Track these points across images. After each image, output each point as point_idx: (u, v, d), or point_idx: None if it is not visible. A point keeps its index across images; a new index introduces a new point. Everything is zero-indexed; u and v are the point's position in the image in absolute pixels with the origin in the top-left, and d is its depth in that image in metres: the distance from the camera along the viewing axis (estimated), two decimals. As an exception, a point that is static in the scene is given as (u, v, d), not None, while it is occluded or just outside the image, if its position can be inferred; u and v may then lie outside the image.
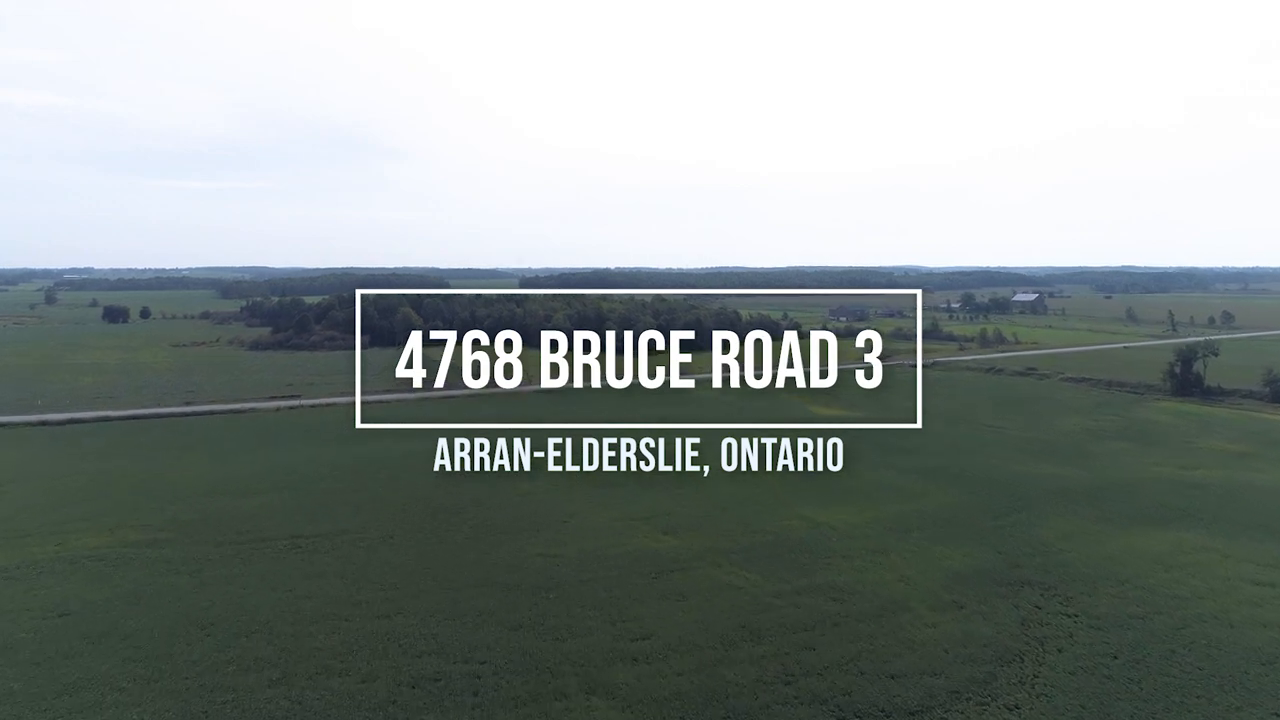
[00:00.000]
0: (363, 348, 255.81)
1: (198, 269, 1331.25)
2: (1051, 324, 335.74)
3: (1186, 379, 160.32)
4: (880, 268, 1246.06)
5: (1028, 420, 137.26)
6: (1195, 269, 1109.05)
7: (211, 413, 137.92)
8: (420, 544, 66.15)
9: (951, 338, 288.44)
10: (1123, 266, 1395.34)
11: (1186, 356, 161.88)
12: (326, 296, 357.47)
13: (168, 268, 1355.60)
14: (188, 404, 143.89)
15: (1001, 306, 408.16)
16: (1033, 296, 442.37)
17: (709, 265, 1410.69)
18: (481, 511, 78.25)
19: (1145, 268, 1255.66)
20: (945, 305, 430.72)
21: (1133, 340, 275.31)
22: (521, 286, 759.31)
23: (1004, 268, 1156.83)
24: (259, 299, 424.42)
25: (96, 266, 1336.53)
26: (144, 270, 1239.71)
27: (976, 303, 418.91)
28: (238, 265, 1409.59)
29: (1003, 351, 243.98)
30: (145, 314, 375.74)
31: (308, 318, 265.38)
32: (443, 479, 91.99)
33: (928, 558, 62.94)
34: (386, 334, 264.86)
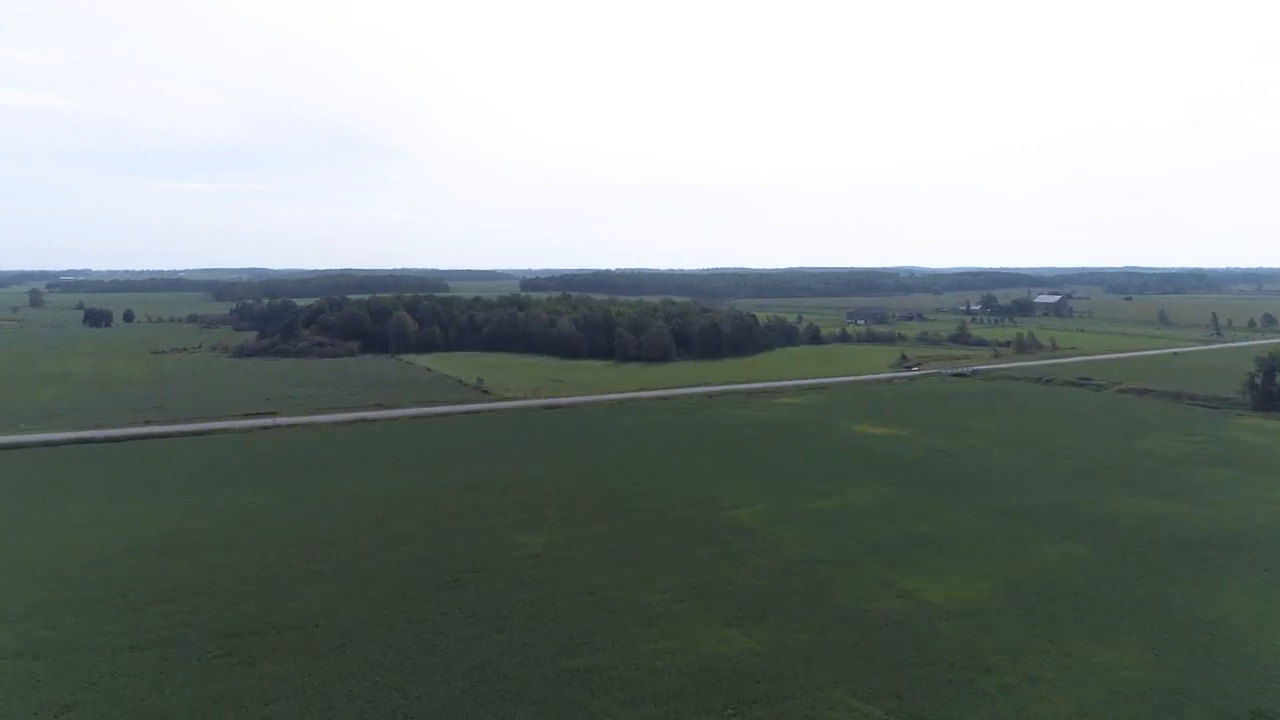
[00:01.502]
0: (353, 354, 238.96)
1: (195, 270, 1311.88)
2: (1083, 327, 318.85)
3: (1269, 391, 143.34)
4: (883, 268, 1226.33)
5: (1103, 440, 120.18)
6: (1204, 270, 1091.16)
7: (171, 435, 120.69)
8: (416, 644, 48.71)
9: (982, 342, 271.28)
10: (1126, 267, 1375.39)
11: (1269, 366, 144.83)
12: (317, 299, 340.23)
13: (165, 269, 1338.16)
14: (148, 423, 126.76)
15: (1024, 309, 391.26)
16: (1055, 298, 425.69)
17: (710, 266, 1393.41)
18: (483, 581, 61.21)
19: (1150, 268, 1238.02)
20: (965, 307, 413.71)
21: (1176, 345, 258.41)
22: (523, 288, 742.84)
23: (1006, 268, 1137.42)
24: (249, 301, 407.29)
25: (94, 268, 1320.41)
26: (141, 272, 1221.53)
27: (998, 304, 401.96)
28: (236, 266, 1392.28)
29: (1044, 359, 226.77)
30: (129, 317, 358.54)
31: (296, 322, 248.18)
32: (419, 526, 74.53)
33: (1089, 670, 45.74)
34: (378, 340, 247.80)
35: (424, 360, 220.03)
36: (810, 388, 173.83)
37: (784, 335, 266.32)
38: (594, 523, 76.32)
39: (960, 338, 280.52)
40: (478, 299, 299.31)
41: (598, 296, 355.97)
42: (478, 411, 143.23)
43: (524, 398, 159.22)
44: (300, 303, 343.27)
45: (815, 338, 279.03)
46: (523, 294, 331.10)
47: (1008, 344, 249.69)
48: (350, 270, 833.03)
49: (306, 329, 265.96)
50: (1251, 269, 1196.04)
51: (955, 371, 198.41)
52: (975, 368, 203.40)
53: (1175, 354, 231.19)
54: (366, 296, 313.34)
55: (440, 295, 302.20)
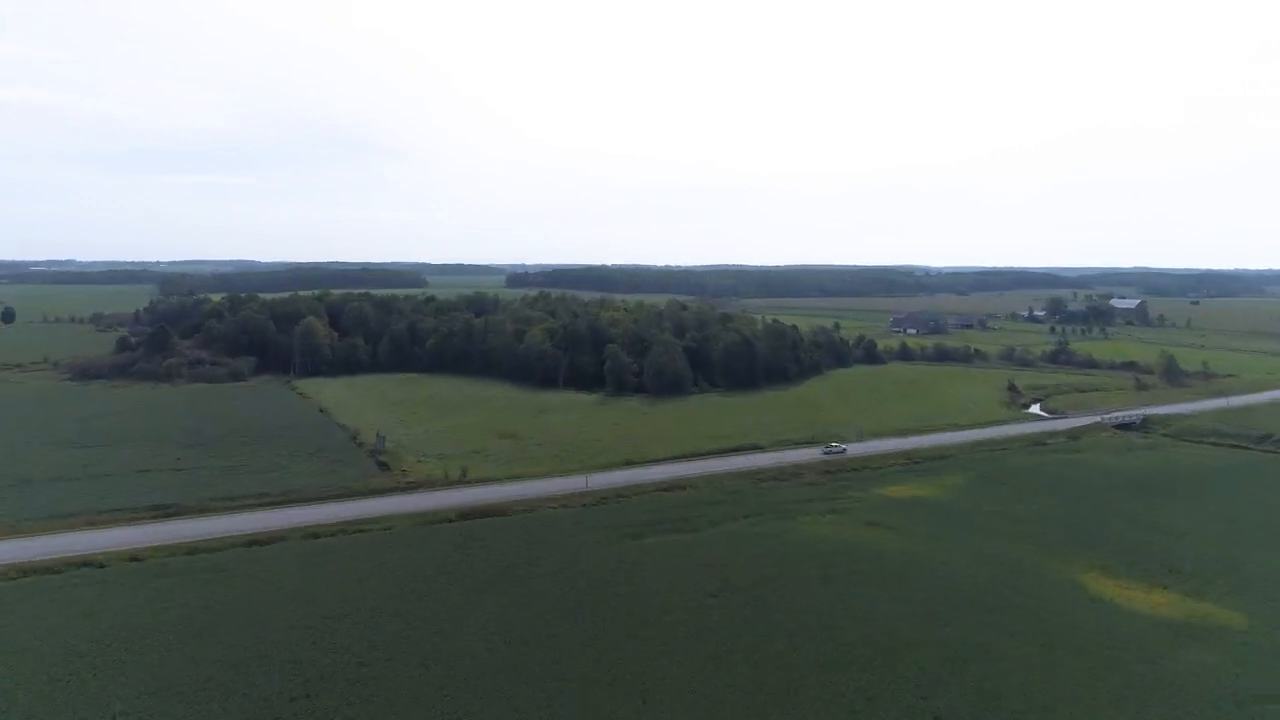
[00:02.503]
0: (241, 378, 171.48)
1: (177, 262, 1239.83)
2: (1203, 342, 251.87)
3: None
4: (890, 266, 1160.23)
5: None
6: (1241, 271, 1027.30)
7: None
8: None
9: (1092, 363, 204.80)
10: (1137, 267, 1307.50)
11: None
12: (223, 296, 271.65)
13: (149, 260, 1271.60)
14: None
15: (1102, 315, 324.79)
16: (1134, 303, 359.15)
17: (710, 263, 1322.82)
18: None
19: (1160, 268, 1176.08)
20: (1027, 313, 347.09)
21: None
22: (509, 284, 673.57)
23: (1011, 267, 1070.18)
24: (176, 298, 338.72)
25: (79, 259, 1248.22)
26: (120, 263, 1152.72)
27: (1067, 309, 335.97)
28: (221, 259, 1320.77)
29: (1216, 395, 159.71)
30: (8, 317, 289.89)
31: (165, 333, 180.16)
32: None
33: None
34: (282, 354, 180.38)
35: (329, 390, 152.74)
36: (916, 457, 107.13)
37: (833, 353, 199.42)
38: None
39: (1062, 356, 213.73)
40: (430, 299, 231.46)
41: (585, 296, 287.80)
42: (332, 530, 75.52)
43: (444, 482, 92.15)
44: (216, 298, 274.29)
45: (871, 354, 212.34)
46: (490, 292, 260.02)
47: (1152, 373, 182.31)
48: (320, 264, 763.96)
49: (190, 339, 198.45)
50: (1264, 270, 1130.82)
51: (1117, 420, 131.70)
52: (1140, 413, 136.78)
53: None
54: (285, 295, 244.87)
55: (379, 294, 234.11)
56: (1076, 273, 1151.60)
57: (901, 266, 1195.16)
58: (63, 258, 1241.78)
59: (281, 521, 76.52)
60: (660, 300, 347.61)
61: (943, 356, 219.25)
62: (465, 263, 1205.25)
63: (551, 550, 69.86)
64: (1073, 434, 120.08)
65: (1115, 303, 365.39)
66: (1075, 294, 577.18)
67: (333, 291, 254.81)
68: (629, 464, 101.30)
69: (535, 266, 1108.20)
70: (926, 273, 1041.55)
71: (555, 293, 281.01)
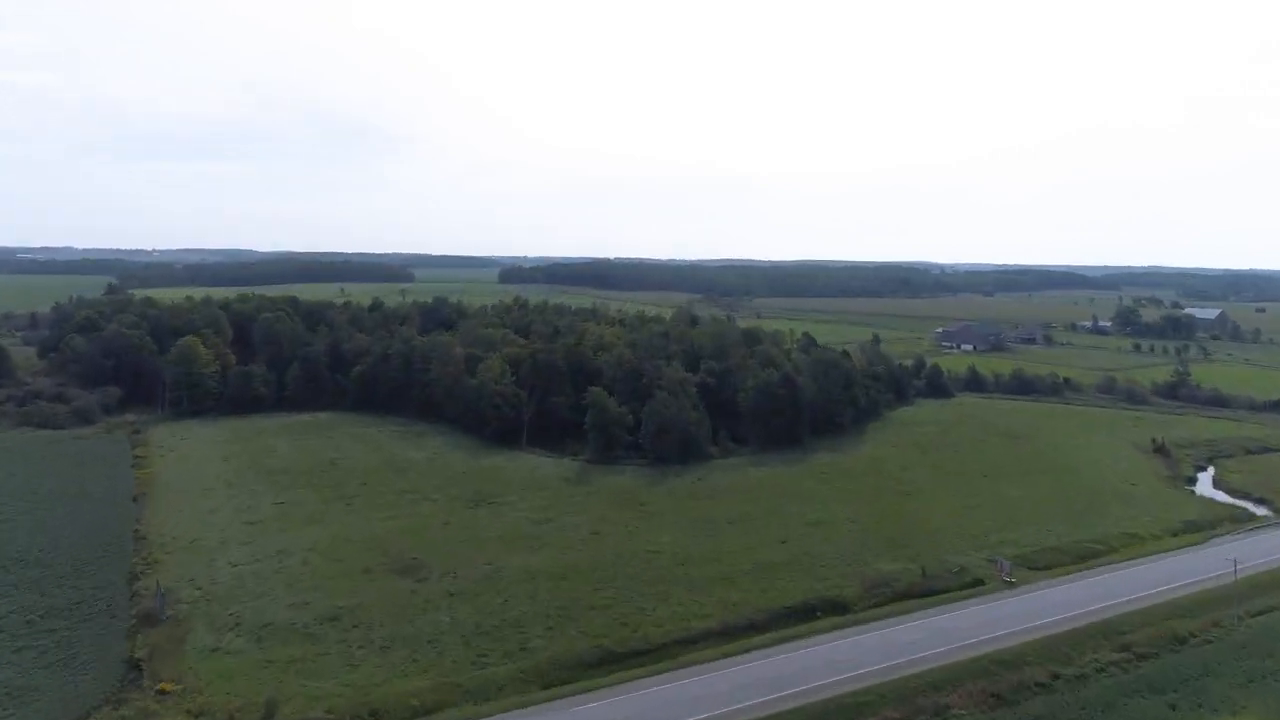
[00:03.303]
0: (92, 418, 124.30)
1: (168, 250, 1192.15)
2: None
3: None
4: (902, 263, 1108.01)
5: None
6: (1274, 272, 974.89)
7: None
8: None
9: (1221, 400, 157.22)
10: (1150, 267, 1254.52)
11: None
12: (108, 298, 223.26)
13: (145, 248, 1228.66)
14: None
15: (1181, 327, 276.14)
16: (1213, 313, 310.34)
17: (717, 257, 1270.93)
18: None
19: (1172, 268, 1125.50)
20: (1090, 323, 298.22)
21: None
22: (502, 280, 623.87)
23: (1030, 265, 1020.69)
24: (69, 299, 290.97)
25: (76, 245, 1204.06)
26: (125, 250, 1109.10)
27: (1143, 322, 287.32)
28: (214, 247, 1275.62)
29: None
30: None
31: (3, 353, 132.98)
32: None
33: None
34: (145, 382, 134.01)
35: (187, 447, 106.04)
36: (1133, 644, 59.12)
37: (892, 384, 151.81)
38: None
39: (1183, 390, 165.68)
40: (377, 307, 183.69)
41: (575, 304, 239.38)
42: None
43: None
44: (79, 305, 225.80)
45: (936, 384, 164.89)
46: (452, 298, 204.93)
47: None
48: (295, 254, 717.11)
49: (47, 358, 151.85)
50: (1273, 271, 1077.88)
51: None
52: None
53: None
54: (191, 298, 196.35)
55: (309, 301, 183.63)
56: (1100, 271, 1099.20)
57: (913, 263, 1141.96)
58: (60, 244, 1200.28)
59: None
60: (664, 303, 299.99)
61: (1025, 388, 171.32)
62: (463, 255, 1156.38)
63: None
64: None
65: (1192, 312, 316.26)
66: (1120, 297, 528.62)
67: (254, 292, 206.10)
68: (618, 662, 54.13)
69: (533, 259, 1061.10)
70: (943, 270, 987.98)
71: (536, 299, 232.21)
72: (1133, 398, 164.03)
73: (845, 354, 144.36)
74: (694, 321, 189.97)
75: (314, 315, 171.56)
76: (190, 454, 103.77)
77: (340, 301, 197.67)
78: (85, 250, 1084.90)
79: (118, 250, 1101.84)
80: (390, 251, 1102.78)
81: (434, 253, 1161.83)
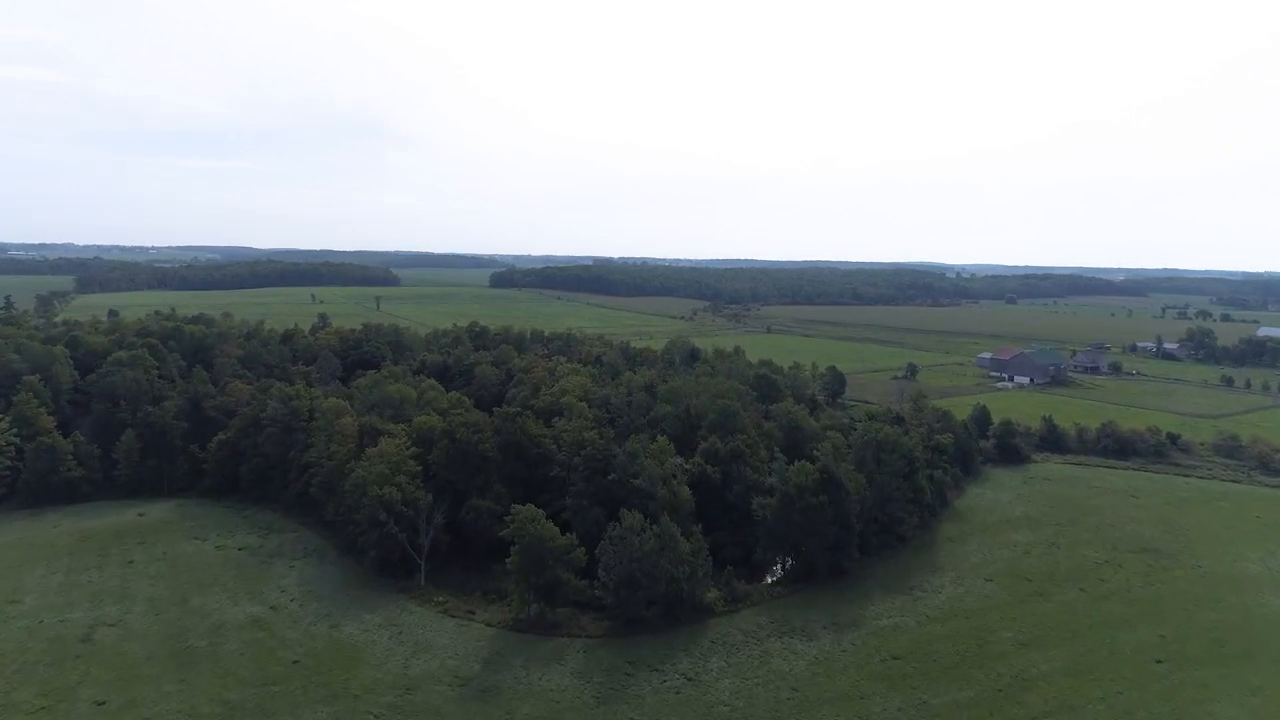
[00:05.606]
0: None
1: (168, 249, 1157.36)
2: None
3: None
4: (913, 264, 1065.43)
5: None
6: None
7: None
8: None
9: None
10: (1167, 269, 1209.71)
11: None
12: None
13: (146, 245, 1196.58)
14: None
15: (1260, 351, 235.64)
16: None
17: (716, 257, 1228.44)
18: None
19: (1188, 270, 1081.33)
20: (1155, 345, 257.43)
21: None
22: (493, 284, 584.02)
23: (1049, 268, 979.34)
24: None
25: (77, 242, 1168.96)
26: (110, 247, 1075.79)
27: (1210, 341, 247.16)
28: (215, 245, 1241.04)
29: None
30: None
31: None
32: None
33: None
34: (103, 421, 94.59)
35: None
36: None
37: (960, 456, 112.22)
38: None
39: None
40: (289, 336, 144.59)
41: (559, 312, 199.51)
42: None
43: None
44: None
45: (1006, 449, 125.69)
46: (366, 347, 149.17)
47: None
48: (273, 252, 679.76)
49: None
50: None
51: None
52: None
53: None
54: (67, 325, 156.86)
55: (201, 333, 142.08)
56: (1120, 274, 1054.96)
57: (925, 265, 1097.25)
58: (61, 241, 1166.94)
59: None
60: (665, 312, 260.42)
61: (1121, 448, 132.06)
62: (465, 254, 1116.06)
63: None
64: None
65: (1264, 332, 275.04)
66: (1164, 310, 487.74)
67: (174, 309, 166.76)
68: None
69: (531, 259, 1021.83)
70: (958, 273, 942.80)
71: (504, 319, 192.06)
72: (1263, 463, 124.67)
73: (899, 419, 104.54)
74: (694, 356, 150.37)
75: (200, 345, 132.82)
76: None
77: (239, 334, 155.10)
78: (84, 248, 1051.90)
79: (118, 248, 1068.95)
80: (392, 250, 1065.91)
81: (435, 251, 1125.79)
